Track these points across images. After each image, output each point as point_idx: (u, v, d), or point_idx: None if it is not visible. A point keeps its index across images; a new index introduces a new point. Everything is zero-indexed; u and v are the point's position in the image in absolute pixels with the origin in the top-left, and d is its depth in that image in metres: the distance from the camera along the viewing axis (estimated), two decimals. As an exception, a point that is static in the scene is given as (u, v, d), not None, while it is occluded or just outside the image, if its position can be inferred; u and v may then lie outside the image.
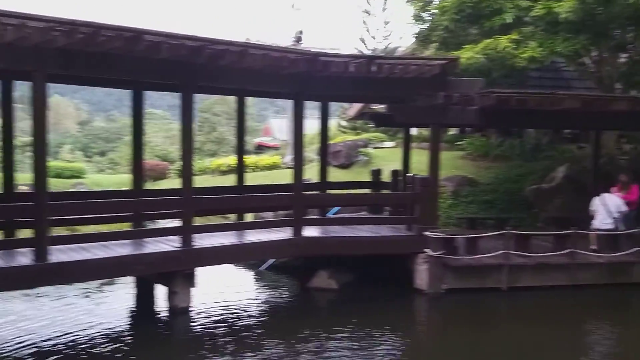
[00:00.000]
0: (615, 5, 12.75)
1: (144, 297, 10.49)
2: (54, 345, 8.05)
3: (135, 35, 8.07)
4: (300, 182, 10.86)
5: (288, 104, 30.83)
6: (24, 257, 8.41)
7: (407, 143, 14.49)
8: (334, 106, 16.90)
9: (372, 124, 23.95)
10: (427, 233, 10.76)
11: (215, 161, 28.49)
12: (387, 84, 10.88)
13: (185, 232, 9.54)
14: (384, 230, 11.74)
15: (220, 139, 44.55)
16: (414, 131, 17.40)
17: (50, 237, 8.48)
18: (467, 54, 13.81)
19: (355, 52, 30.47)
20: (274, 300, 11.07)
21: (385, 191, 14.20)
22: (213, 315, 9.55)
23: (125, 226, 11.67)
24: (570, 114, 11.75)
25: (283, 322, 9.57)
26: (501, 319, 10.35)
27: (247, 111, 13.23)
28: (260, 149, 40.52)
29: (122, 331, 8.85)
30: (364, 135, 25.27)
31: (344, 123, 28.81)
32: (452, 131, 22.73)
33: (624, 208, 11.73)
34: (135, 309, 10.18)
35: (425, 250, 10.72)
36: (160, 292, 10.09)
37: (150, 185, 23.31)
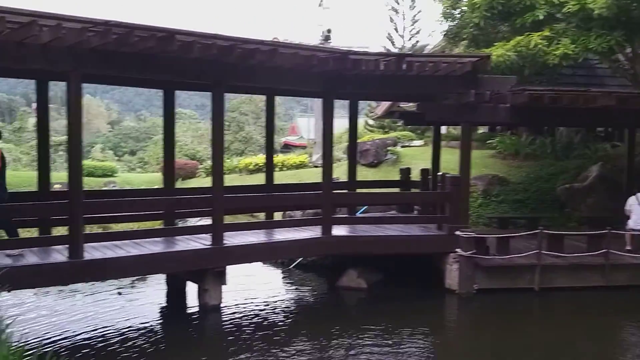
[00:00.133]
0: (651, 0, 12.47)
1: (175, 295, 10.61)
2: (86, 339, 8.20)
3: (168, 36, 8.15)
4: (329, 180, 10.86)
5: (314, 102, 30.89)
6: (59, 254, 8.57)
7: (436, 141, 14.37)
8: (361, 104, 16.79)
9: (400, 123, 23.86)
10: (458, 232, 10.66)
11: (244, 160, 28.62)
12: (417, 82, 10.81)
13: (216, 230, 9.62)
14: (414, 230, 11.67)
15: (247, 138, 44.73)
16: (442, 130, 17.22)
17: (84, 235, 8.62)
18: (498, 52, 13.64)
19: (382, 50, 30.35)
20: (303, 299, 11.09)
21: (414, 190, 14.11)
22: (243, 313, 9.61)
23: (157, 224, 11.81)
24: (604, 111, 11.55)
25: (313, 321, 9.58)
26: (533, 320, 10.20)
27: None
28: (287, 148, 40.59)
29: (154, 328, 8.96)
30: (392, 134, 25.13)
31: (371, 122, 28.69)
32: (482, 129, 22.49)
33: (660, 208, 11.46)
34: (166, 306, 10.30)
35: (456, 249, 10.62)
36: (191, 290, 10.18)
37: (179, 184, 23.52)
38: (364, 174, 18.08)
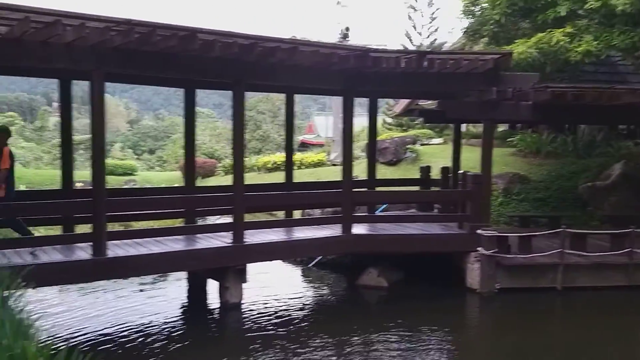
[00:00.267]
0: (676, -4, 12.25)
1: (196, 292, 10.68)
2: (108, 335, 8.29)
3: (190, 34, 8.18)
4: (349, 179, 10.84)
5: (332, 101, 30.84)
6: (82, 252, 8.66)
7: (457, 139, 14.28)
8: (379, 103, 16.73)
9: (419, 121, 23.74)
10: (479, 231, 10.58)
11: (262, 158, 28.71)
12: (438, 80, 10.73)
13: (237, 229, 9.65)
14: (434, 228, 11.61)
15: (265, 136, 44.89)
16: (462, 128, 17.11)
17: (107, 233, 8.70)
18: (519, 49, 13.48)
19: (400, 48, 30.21)
20: (323, 297, 11.09)
21: (434, 189, 14.03)
22: (264, 311, 9.63)
23: (178, 222, 11.89)
24: (628, 109, 11.37)
25: (333, 319, 9.56)
26: (555, 320, 10.10)
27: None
28: (304, 146, 40.63)
29: (175, 325, 9.01)
30: (411, 132, 25.03)
31: (389, 119, 28.60)
32: (503, 127, 22.29)
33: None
34: (187, 303, 10.37)
35: (478, 248, 10.55)
36: (212, 288, 10.23)
37: (199, 182, 23.66)
38: (383, 172, 18.02)
